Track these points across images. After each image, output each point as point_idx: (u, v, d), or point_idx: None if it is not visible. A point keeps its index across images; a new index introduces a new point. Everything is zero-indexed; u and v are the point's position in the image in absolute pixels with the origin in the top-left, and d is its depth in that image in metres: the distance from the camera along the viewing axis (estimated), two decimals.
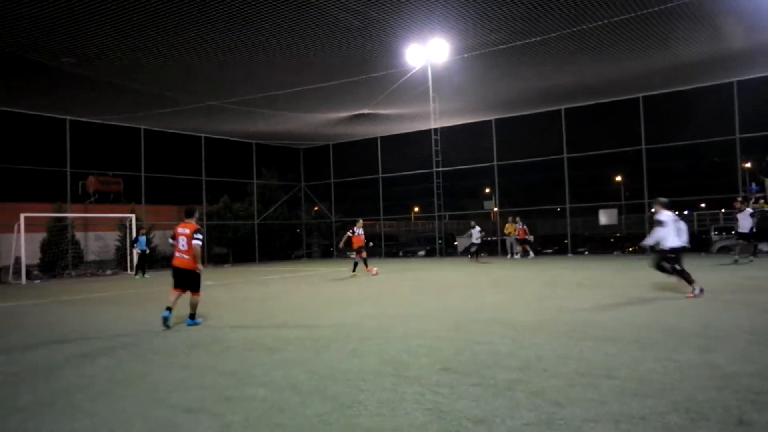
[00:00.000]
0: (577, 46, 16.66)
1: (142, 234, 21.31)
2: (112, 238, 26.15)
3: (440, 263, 24.25)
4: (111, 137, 25.90)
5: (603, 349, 5.98)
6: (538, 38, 15.73)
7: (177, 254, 8.70)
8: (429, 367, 5.48)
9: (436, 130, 26.26)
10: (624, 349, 5.93)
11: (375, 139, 31.13)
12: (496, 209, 30.07)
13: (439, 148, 26.76)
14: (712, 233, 23.05)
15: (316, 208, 35.77)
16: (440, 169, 27.83)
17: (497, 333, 7.12)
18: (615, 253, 25.58)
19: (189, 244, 8.55)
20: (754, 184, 23.05)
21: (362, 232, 18.39)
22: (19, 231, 20.56)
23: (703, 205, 33.90)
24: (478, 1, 13.42)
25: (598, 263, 20.00)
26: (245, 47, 15.80)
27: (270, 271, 22.34)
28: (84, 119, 23.91)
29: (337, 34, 14.97)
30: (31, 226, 21.40)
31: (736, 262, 16.55)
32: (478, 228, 23.73)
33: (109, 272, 24.04)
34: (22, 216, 20.68)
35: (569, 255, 25.67)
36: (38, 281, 21.01)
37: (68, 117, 23.46)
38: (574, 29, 15.16)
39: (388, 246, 33.19)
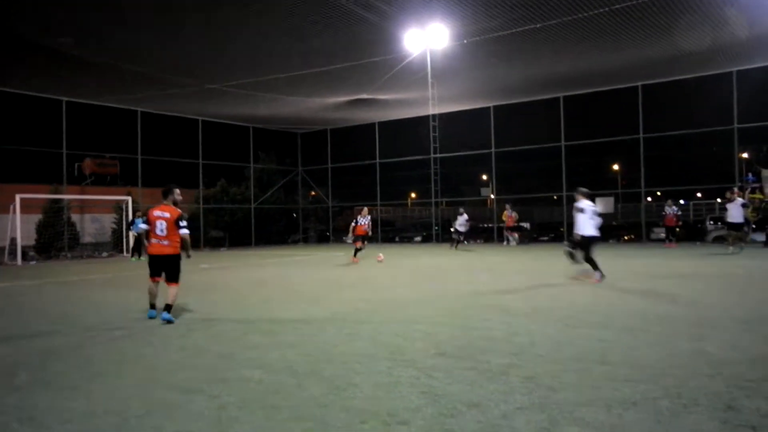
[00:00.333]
0: (577, 33, 16.59)
1: (139, 216, 21.26)
2: (108, 220, 26.09)
3: (436, 249, 24.29)
4: (108, 119, 25.81)
5: (597, 335, 6.04)
6: (538, 25, 15.65)
7: (154, 240, 7.72)
8: (424, 351, 5.52)
9: (434, 116, 26.11)
10: (617, 336, 5.99)
11: (373, 124, 31.00)
12: (492, 196, 30.07)
13: (437, 134, 26.64)
14: (708, 223, 23.10)
15: (313, 193, 35.72)
16: (438, 155, 27.79)
17: (494, 319, 7.17)
18: (610, 241, 25.65)
19: (169, 229, 7.63)
20: (750, 174, 23.05)
21: (365, 221, 17.54)
22: (14, 212, 20.50)
23: (699, 194, 34.01)
24: None
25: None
26: (246, 31, 15.68)
27: (266, 255, 22.36)
28: (81, 100, 23.77)
29: (337, 19, 14.86)
30: (27, 207, 21.31)
31: (734, 253, 16.55)
32: (465, 216, 23.32)
33: (105, 254, 24.03)
34: (18, 197, 20.60)
35: (565, 243, 25.67)
36: (34, 262, 21.01)
37: (64, 98, 23.30)
38: (575, 17, 15.09)
39: (385, 231, 33.20)
